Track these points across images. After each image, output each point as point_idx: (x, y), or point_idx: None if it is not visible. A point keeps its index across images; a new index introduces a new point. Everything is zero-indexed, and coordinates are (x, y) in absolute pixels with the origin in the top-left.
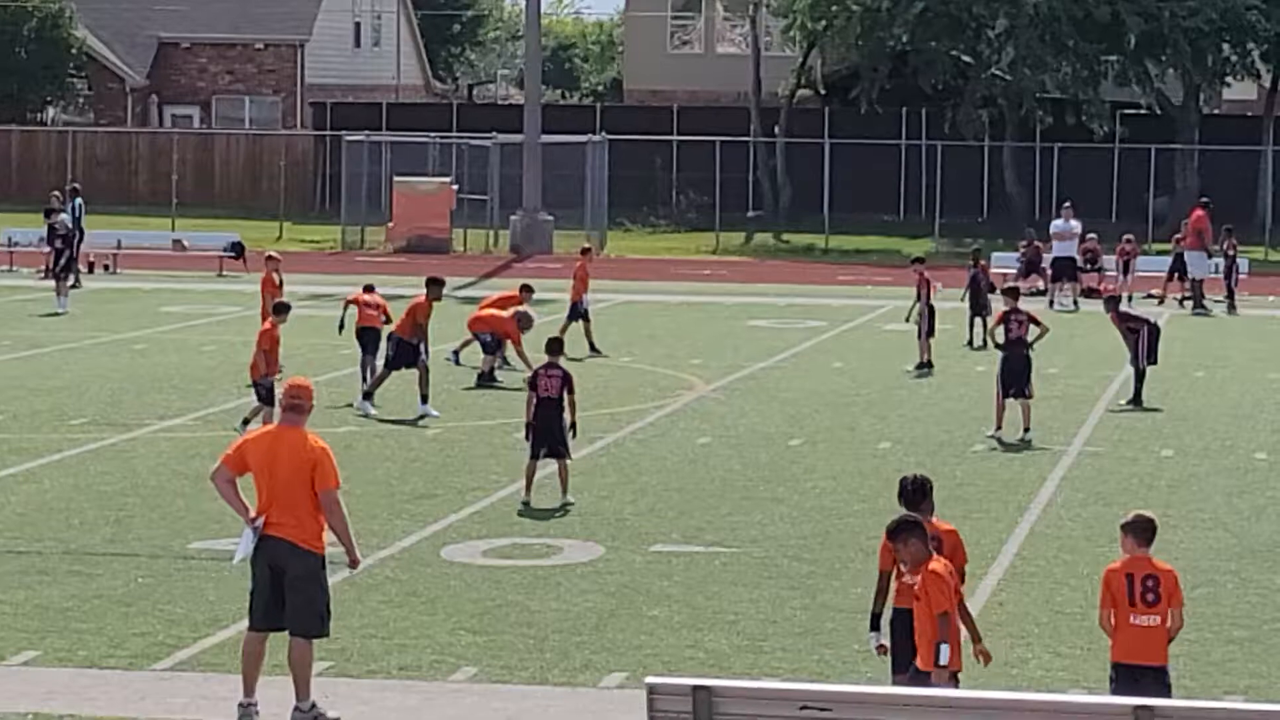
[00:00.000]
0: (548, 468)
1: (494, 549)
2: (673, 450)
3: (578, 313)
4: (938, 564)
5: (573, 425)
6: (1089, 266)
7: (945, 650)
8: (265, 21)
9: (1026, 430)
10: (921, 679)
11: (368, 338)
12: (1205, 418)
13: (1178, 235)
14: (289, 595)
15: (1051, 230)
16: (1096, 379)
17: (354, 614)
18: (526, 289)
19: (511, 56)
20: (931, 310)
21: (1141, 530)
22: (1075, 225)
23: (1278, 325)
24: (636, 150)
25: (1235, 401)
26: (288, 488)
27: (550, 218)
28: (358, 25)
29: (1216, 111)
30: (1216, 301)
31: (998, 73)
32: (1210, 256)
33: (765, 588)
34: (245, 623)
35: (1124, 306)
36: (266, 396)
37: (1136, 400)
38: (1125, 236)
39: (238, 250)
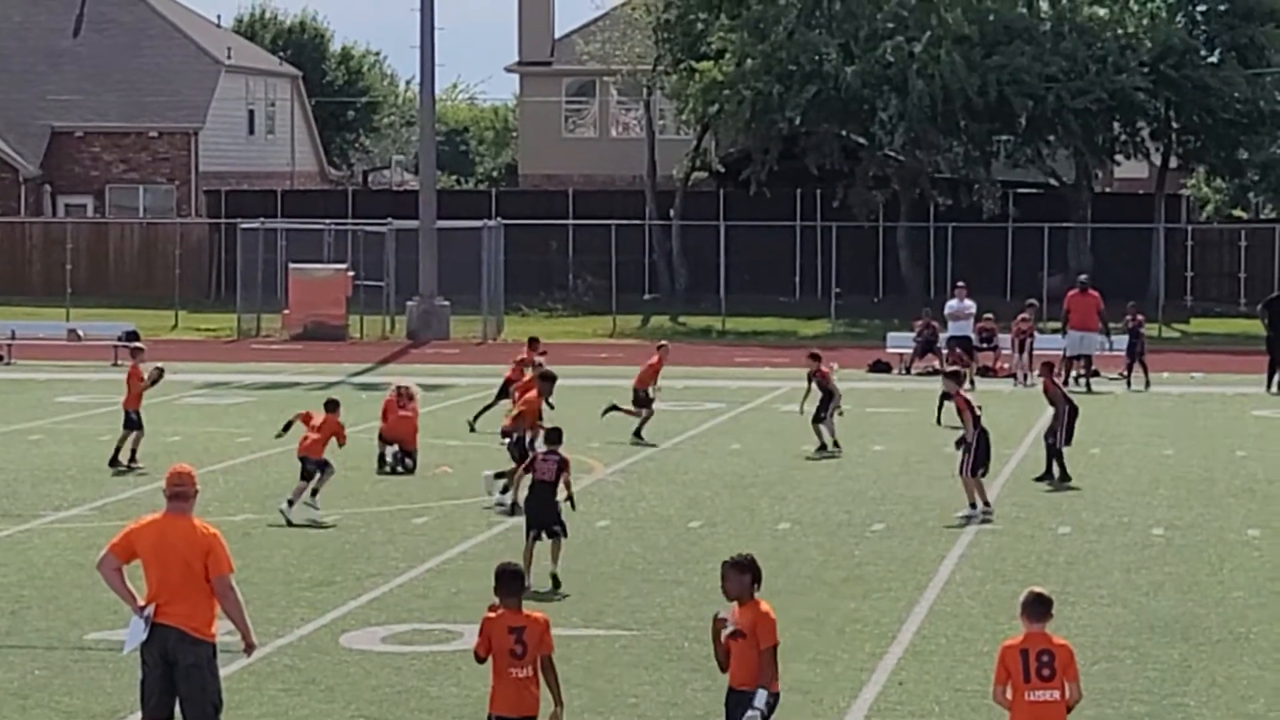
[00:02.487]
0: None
1: (393, 635)
2: (572, 533)
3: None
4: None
5: (569, 498)
6: (985, 345)
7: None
8: (159, 109)
9: (988, 505)
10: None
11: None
12: (1102, 494)
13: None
14: (181, 685)
15: (946, 310)
16: (995, 457)
17: (252, 703)
18: (534, 341)
19: (406, 142)
20: (829, 395)
21: (1036, 607)
22: (970, 304)
23: (1173, 401)
24: (532, 234)
25: (1132, 478)
26: (179, 575)
27: (446, 303)
28: (251, 112)
29: (1108, 190)
30: (1111, 379)
31: (890, 153)
32: (1109, 336)
33: (666, 670)
34: (140, 714)
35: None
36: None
37: (1048, 476)
38: (1021, 315)
39: (132, 339)
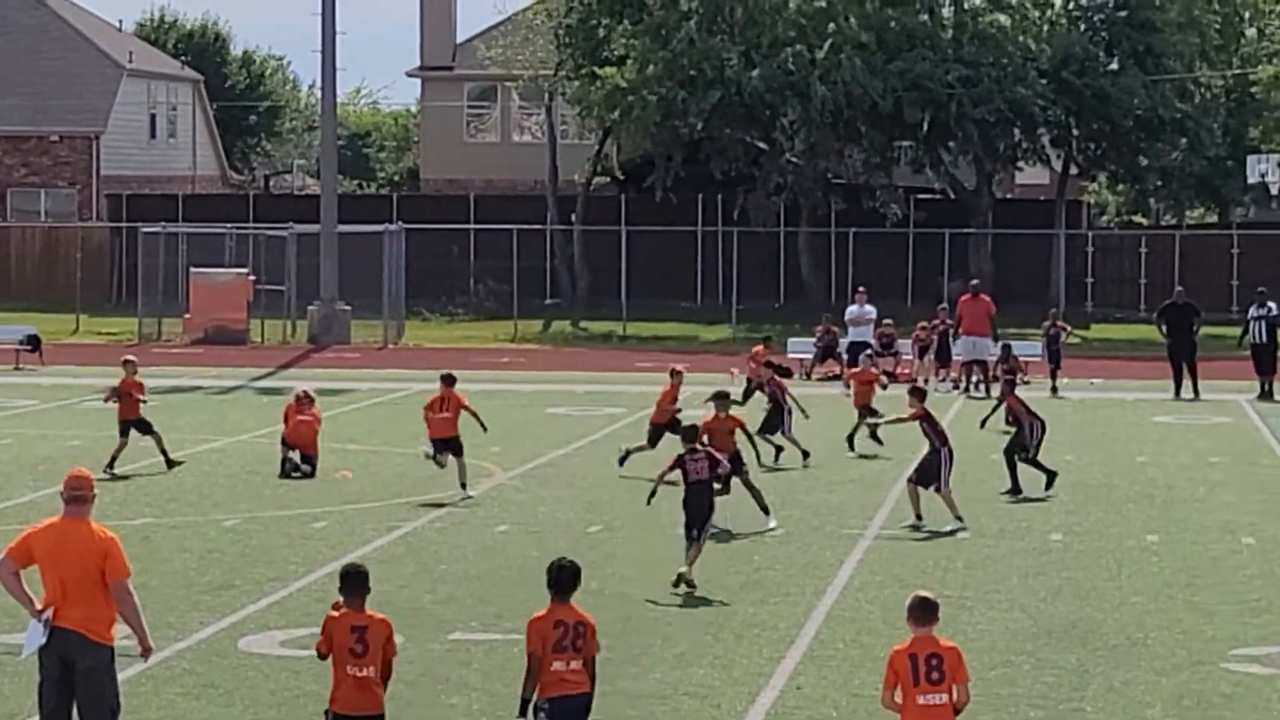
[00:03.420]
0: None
1: (292, 639)
2: (471, 538)
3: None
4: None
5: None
6: (885, 351)
7: None
8: (60, 113)
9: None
10: None
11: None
12: (1001, 499)
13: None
14: (79, 688)
15: (847, 316)
16: (895, 462)
17: (151, 706)
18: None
19: (308, 147)
20: (779, 408)
21: (921, 611)
22: (870, 310)
23: (1074, 407)
24: (434, 239)
25: (1032, 483)
26: (77, 579)
27: (348, 307)
28: (153, 117)
29: (1010, 196)
30: (1025, 381)
31: (792, 159)
32: (997, 341)
33: None
34: (38, 718)
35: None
36: None
37: (1049, 478)
38: (920, 323)
39: (34, 343)
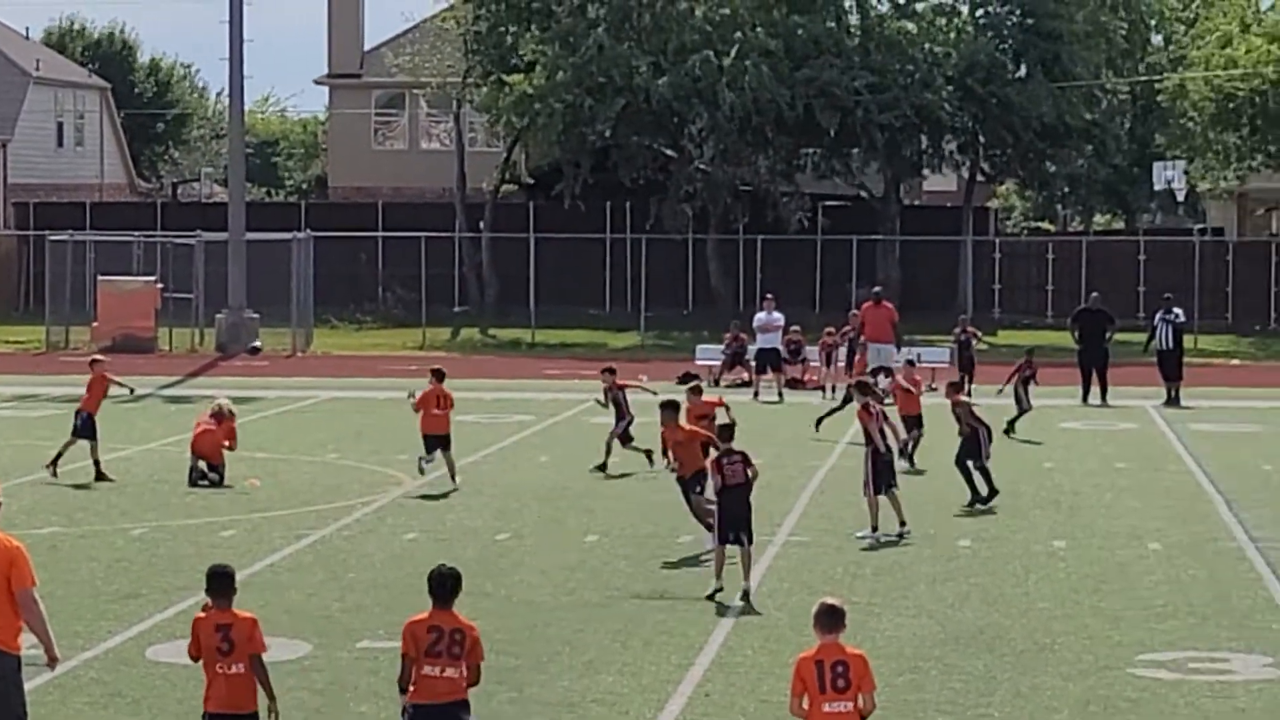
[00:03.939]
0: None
1: None
2: (380, 546)
3: None
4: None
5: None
6: (793, 358)
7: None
8: None
9: (903, 524)
10: None
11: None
12: (909, 506)
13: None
14: None
15: (755, 323)
16: (802, 468)
17: (57, 716)
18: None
19: (216, 155)
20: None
21: (828, 618)
22: (778, 317)
23: (980, 413)
24: (342, 247)
25: (940, 490)
26: None
27: (256, 315)
28: (60, 124)
29: (917, 202)
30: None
31: (701, 166)
32: (900, 348)
33: None
34: None
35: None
36: None
37: (992, 493)
38: (828, 330)
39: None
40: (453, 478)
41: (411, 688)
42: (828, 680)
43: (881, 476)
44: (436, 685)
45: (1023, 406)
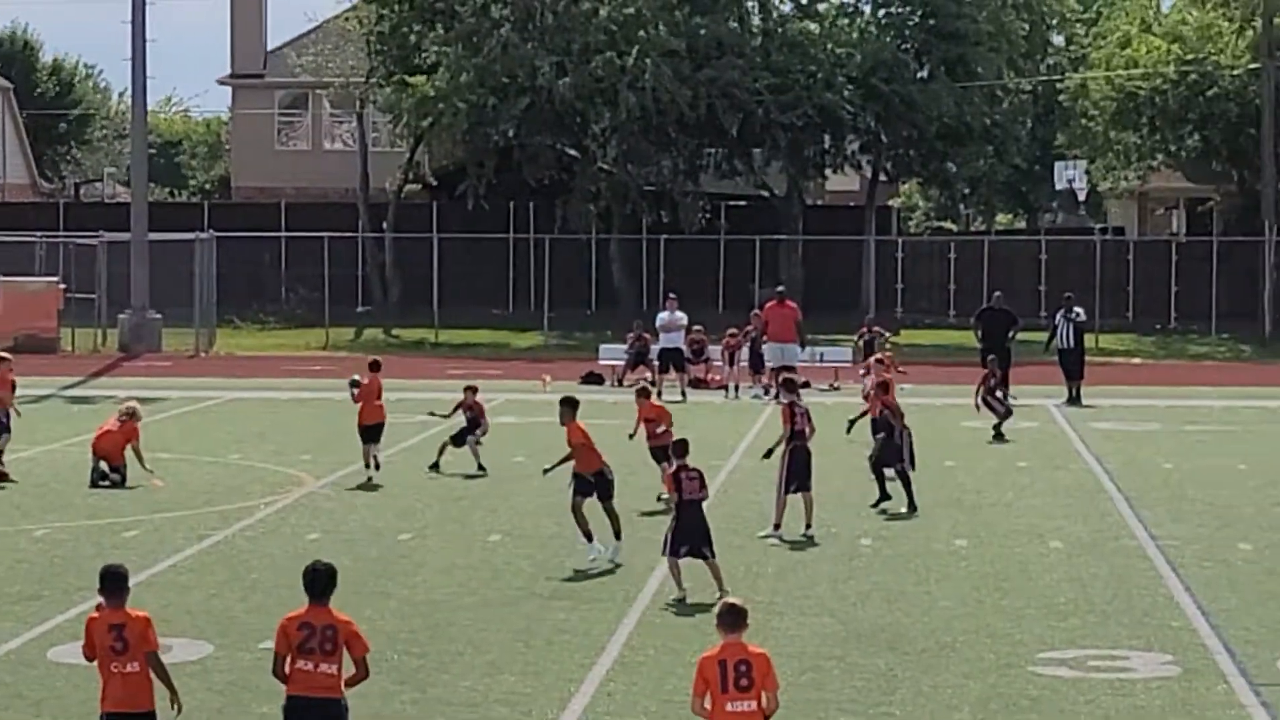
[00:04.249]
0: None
1: None
2: (282, 547)
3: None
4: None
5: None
6: (695, 357)
7: None
8: None
9: (809, 525)
10: None
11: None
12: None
13: (748, 328)
14: None
15: (658, 322)
16: (705, 468)
17: None
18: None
19: (119, 155)
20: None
21: (730, 617)
22: (681, 316)
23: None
24: (245, 247)
25: (841, 489)
26: None
27: (159, 316)
28: None
29: (820, 202)
30: (822, 389)
31: (605, 166)
32: (804, 347)
33: (375, 682)
34: None
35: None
36: None
37: (911, 509)
38: (730, 330)
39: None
40: (377, 467)
41: (288, 683)
42: (730, 679)
43: (796, 476)
44: (310, 681)
45: (999, 412)
